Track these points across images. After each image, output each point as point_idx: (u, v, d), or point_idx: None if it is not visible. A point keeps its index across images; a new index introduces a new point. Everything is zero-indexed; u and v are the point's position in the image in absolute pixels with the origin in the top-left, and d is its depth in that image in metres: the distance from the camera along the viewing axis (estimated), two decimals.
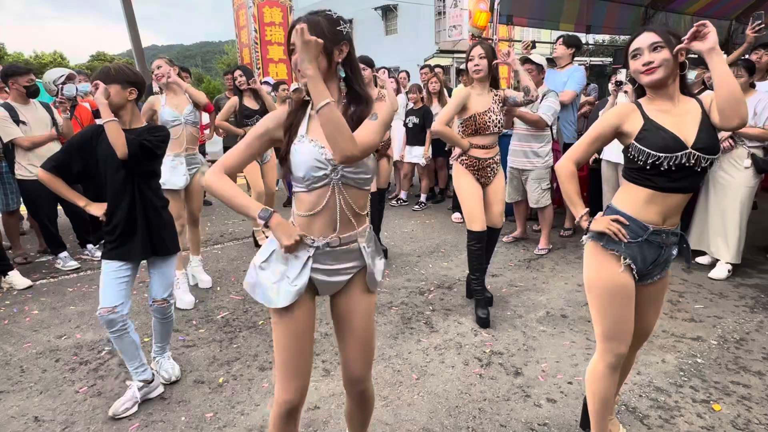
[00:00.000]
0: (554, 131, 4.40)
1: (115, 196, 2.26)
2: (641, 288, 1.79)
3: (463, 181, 3.16)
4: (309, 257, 1.50)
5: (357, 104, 1.48)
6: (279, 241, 1.45)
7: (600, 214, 1.81)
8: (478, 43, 3.07)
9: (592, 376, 1.84)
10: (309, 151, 1.44)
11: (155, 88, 5.05)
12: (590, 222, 1.77)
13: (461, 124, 3.08)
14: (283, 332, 1.52)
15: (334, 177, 1.46)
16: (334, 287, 1.59)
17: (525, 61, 4.28)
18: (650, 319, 1.88)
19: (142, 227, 2.29)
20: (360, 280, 1.60)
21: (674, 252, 1.78)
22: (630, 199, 1.72)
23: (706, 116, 1.64)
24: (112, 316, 2.20)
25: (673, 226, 1.72)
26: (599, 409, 1.86)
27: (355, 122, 1.44)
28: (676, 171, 1.61)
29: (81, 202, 2.29)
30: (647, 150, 1.62)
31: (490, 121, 3.03)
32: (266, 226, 1.45)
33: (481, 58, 3.00)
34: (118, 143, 2.16)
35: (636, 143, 1.65)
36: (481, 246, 3.14)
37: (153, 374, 2.42)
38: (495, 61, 3.05)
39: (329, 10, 1.45)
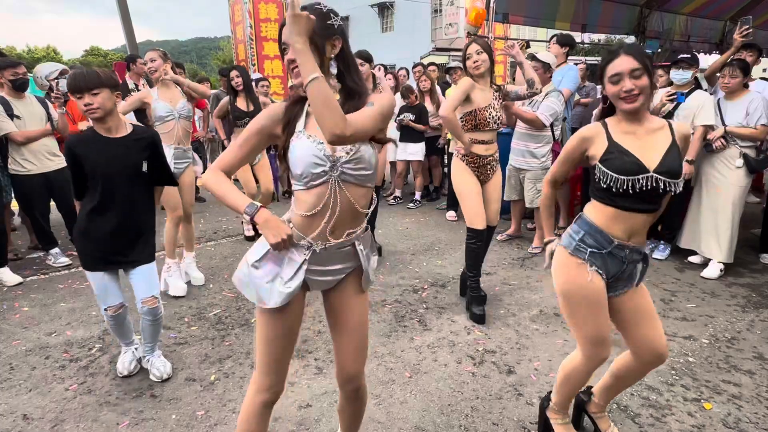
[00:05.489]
0: (557, 132, 4.37)
1: (110, 202, 2.27)
2: (612, 300, 1.80)
3: (462, 178, 3.13)
4: (305, 260, 1.47)
5: (351, 99, 1.44)
6: (266, 238, 1.41)
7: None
8: (474, 41, 3.06)
9: (568, 357, 1.92)
10: (307, 146, 1.41)
11: (131, 86, 5.01)
12: (556, 247, 1.85)
13: (461, 118, 3.06)
14: (269, 329, 1.51)
15: (333, 174, 1.41)
16: (326, 285, 1.57)
17: (531, 58, 4.25)
18: (649, 336, 1.79)
19: (133, 236, 2.35)
20: (354, 279, 1.58)
21: (638, 268, 1.78)
22: (598, 214, 1.77)
23: (675, 142, 1.68)
24: (120, 312, 2.41)
25: (638, 244, 1.74)
26: (557, 383, 1.96)
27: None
28: (638, 193, 1.66)
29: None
30: (610, 173, 1.67)
31: (489, 117, 3.02)
32: (253, 222, 1.42)
33: (478, 53, 2.99)
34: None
35: (600, 165, 1.70)
36: (482, 244, 3.14)
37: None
38: (501, 51, 3.05)
39: (319, 3, 1.41)
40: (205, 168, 7.40)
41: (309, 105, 1.45)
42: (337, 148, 1.40)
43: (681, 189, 1.68)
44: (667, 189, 1.65)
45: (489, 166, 3.15)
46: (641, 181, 1.64)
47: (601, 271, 1.74)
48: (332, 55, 1.43)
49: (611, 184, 1.67)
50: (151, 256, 2.43)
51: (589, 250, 1.75)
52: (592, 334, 1.77)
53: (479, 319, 3.11)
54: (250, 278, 1.49)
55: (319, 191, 1.42)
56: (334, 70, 1.44)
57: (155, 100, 3.44)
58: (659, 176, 1.63)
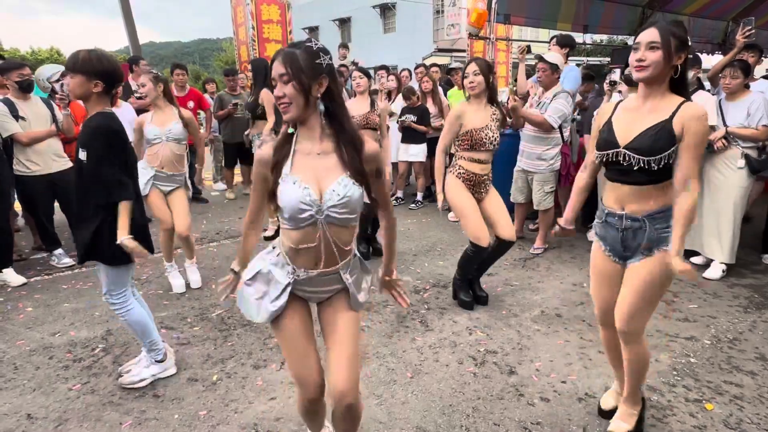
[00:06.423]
0: (566, 134, 4.33)
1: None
2: (628, 267, 1.90)
3: (459, 195, 3.14)
4: (289, 284, 1.58)
5: (348, 144, 1.46)
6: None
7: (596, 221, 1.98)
8: (473, 60, 3.10)
9: None
10: (293, 192, 1.44)
11: (134, 87, 5.12)
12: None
13: (459, 138, 3.08)
14: (282, 338, 1.63)
15: (319, 217, 1.47)
16: (320, 297, 1.68)
17: (539, 59, 4.23)
18: (621, 303, 1.87)
19: (78, 229, 2.28)
20: (344, 296, 1.67)
21: (643, 236, 1.81)
22: (604, 184, 1.93)
23: (668, 122, 1.69)
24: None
25: (635, 213, 1.80)
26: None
27: (357, 169, 1.47)
28: (614, 165, 1.80)
29: None
30: (594, 146, 1.88)
31: (486, 138, 3.03)
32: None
33: (475, 74, 3.01)
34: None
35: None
36: (482, 258, 3.19)
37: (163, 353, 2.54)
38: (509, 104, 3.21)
39: (310, 41, 1.42)
40: (198, 182, 7.39)
41: (296, 142, 1.49)
42: (324, 194, 1.45)
43: (658, 166, 1.71)
44: (640, 165, 1.72)
45: (483, 185, 3.17)
46: (611, 155, 1.79)
47: (604, 243, 1.90)
48: (318, 94, 1.43)
49: (595, 157, 1.87)
50: (85, 257, 2.26)
51: (596, 221, 1.94)
52: (592, 293, 2.04)
53: (468, 305, 3.24)
54: (243, 294, 1.63)
55: (306, 230, 1.50)
56: (321, 108, 1.45)
57: (148, 123, 3.46)
58: (627, 152, 1.74)
